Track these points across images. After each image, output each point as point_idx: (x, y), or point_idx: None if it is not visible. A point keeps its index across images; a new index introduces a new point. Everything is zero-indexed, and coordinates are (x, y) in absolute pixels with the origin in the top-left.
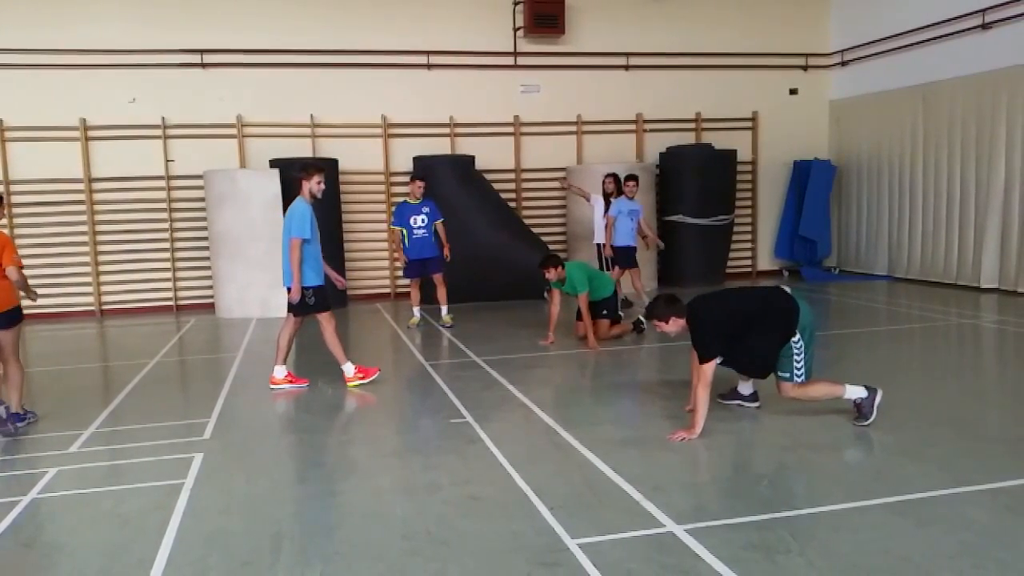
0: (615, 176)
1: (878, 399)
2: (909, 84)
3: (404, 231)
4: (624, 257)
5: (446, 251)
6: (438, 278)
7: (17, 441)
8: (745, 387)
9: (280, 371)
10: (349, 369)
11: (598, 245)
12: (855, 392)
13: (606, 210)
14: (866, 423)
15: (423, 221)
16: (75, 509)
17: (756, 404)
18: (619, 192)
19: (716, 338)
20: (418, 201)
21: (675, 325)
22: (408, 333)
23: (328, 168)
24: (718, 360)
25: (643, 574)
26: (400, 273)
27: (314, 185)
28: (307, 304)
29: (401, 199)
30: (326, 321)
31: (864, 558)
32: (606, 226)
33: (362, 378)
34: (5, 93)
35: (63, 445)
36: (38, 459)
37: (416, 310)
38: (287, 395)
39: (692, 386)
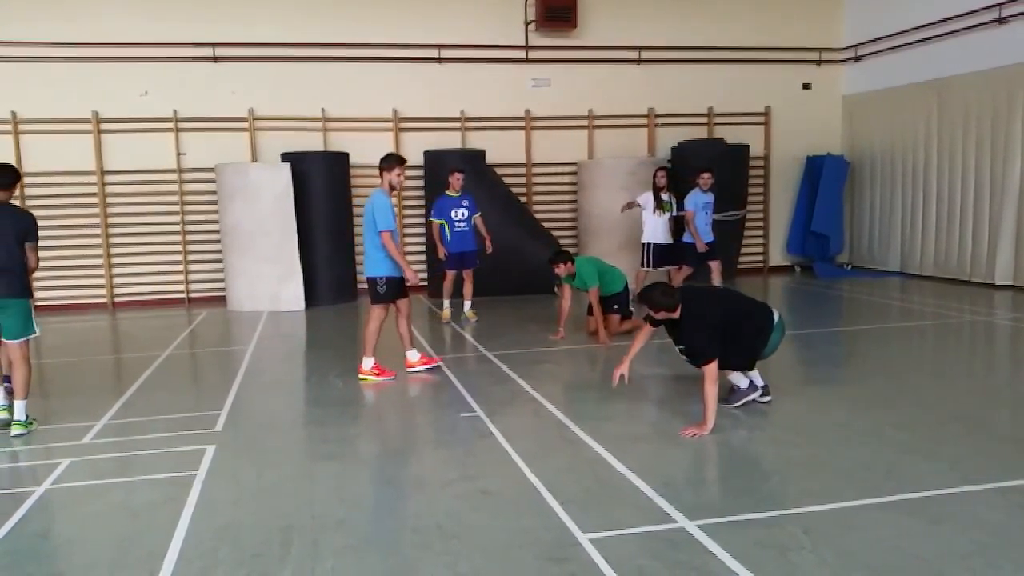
0: (667, 170)
1: (760, 393)
2: (923, 79)
3: (445, 224)
4: (705, 251)
5: (488, 243)
6: (468, 273)
7: (30, 432)
8: (749, 379)
9: (413, 354)
10: (368, 363)
11: (645, 244)
12: (737, 378)
13: (656, 206)
14: (731, 406)
15: (463, 215)
16: (87, 500)
17: (767, 399)
18: (670, 187)
19: (714, 339)
20: (458, 194)
21: (665, 316)
22: (419, 327)
23: (340, 162)
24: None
25: (655, 570)
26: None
27: (394, 177)
28: (377, 292)
29: (412, 192)
30: (379, 311)
31: (876, 556)
32: (686, 220)
33: (376, 375)
34: (18, 86)
35: (75, 436)
36: (51, 450)
37: (447, 303)
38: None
39: (628, 351)
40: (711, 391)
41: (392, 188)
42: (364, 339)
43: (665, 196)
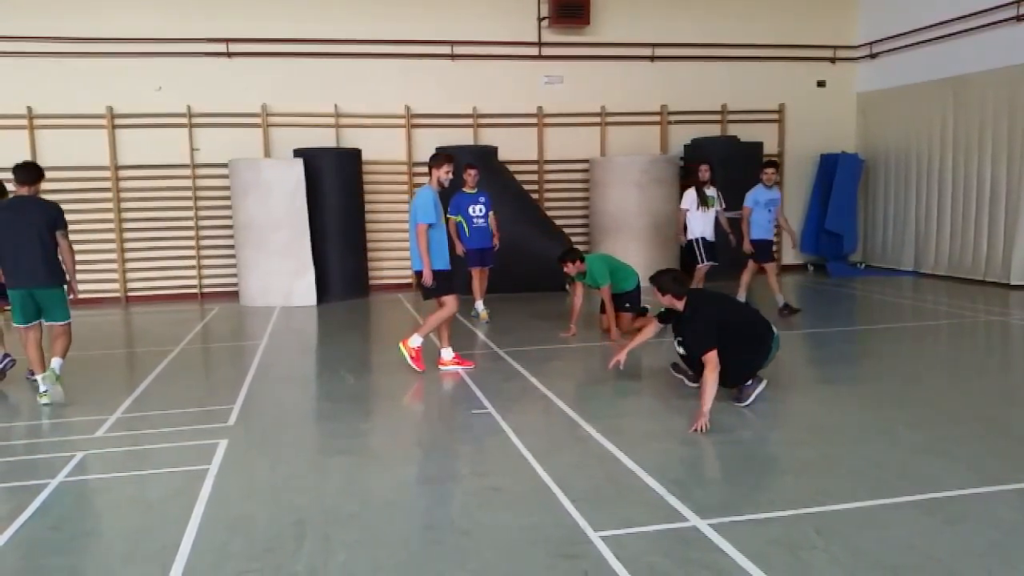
0: (710, 164)
1: (761, 387)
2: (939, 77)
3: (463, 221)
4: (761, 251)
5: (495, 239)
6: (485, 271)
7: (45, 425)
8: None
9: (447, 353)
10: (416, 340)
11: (691, 241)
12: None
13: (700, 202)
14: (742, 404)
15: (481, 211)
16: (101, 493)
17: (763, 382)
18: (714, 182)
19: (713, 332)
20: (474, 191)
21: (669, 302)
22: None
23: (352, 158)
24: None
25: (666, 568)
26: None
27: (442, 174)
28: (431, 288)
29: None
30: (448, 304)
31: (890, 556)
32: (741, 219)
33: (412, 358)
34: (34, 81)
35: (89, 430)
36: (65, 443)
37: (481, 304)
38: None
39: (631, 342)
40: (711, 377)
41: (441, 185)
42: (427, 319)
43: (710, 191)
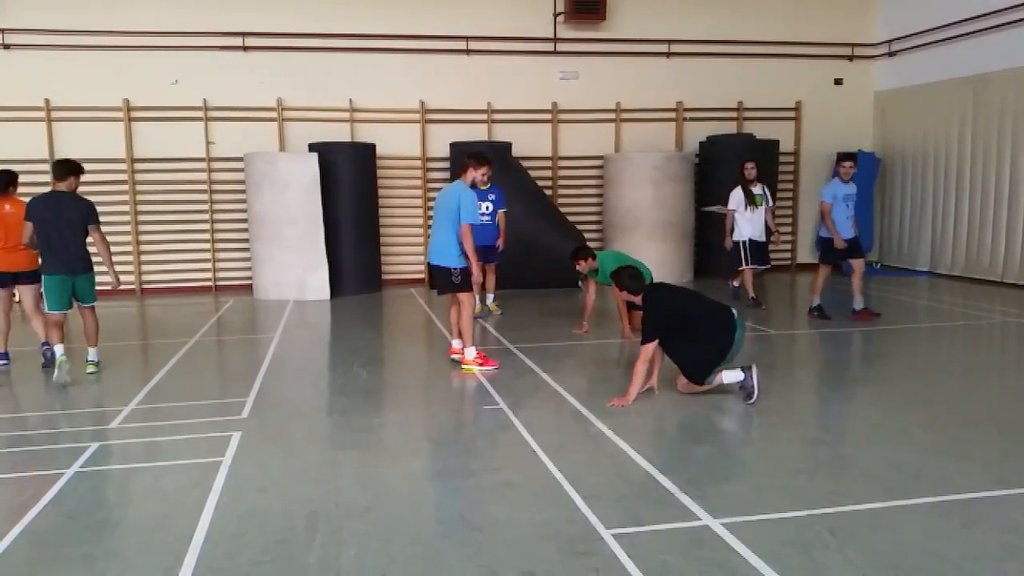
0: (756, 161)
1: (755, 375)
2: (959, 76)
3: None
4: (846, 248)
5: (499, 241)
6: (490, 266)
7: (60, 415)
8: (738, 369)
9: (470, 352)
10: (470, 352)
11: (738, 243)
12: (732, 376)
13: (748, 202)
14: (752, 400)
15: (488, 208)
16: (115, 484)
17: (752, 368)
18: (761, 179)
19: (659, 325)
20: (486, 187)
21: (627, 297)
22: (443, 318)
23: (366, 153)
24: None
25: (678, 567)
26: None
27: (479, 175)
28: (452, 283)
29: (437, 185)
30: (467, 301)
31: (905, 558)
32: (821, 213)
33: (480, 365)
34: (51, 74)
35: (104, 420)
36: (80, 433)
37: (490, 297)
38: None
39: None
40: (638, 369)
41: (474, 184)
42: (461, 329)
43: (756, 189)
